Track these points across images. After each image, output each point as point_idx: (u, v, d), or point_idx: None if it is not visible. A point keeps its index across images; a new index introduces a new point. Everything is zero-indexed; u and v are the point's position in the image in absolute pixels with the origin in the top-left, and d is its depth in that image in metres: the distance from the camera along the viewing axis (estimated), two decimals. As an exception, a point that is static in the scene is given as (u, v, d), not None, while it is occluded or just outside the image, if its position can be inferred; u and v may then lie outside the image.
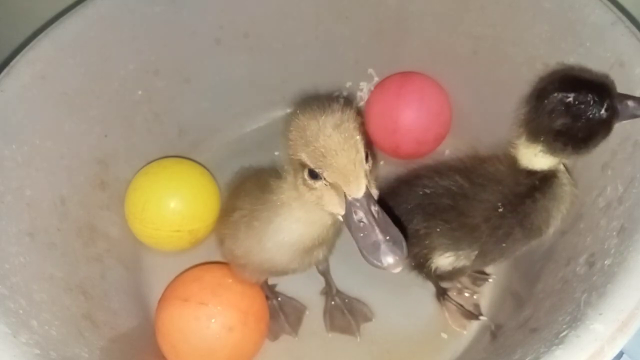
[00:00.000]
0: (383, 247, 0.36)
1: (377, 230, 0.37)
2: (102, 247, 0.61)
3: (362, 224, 0.37)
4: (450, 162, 0.56)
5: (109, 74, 0.62)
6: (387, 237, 0.36)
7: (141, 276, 0.65)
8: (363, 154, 0.37)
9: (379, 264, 0.36)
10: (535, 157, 0.49)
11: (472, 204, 0.51)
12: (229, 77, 0.73)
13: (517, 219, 0.50)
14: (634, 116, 0.47)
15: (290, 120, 0.40)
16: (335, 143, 0.37)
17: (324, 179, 0.38)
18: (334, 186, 0.38)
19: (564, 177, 0.50)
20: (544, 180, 0.49)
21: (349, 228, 0.38)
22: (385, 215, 0.38)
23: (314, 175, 0.38)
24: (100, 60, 0.60)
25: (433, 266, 0.54)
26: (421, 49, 0.70)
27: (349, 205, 0.38)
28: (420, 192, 0.54)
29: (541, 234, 0.51)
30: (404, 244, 0.37)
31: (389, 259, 0.36)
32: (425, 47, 0.70)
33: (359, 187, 0.37)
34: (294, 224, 0.45)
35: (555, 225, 0.51)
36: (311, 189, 0.39)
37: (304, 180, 0.40)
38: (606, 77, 0.49)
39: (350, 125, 0.38)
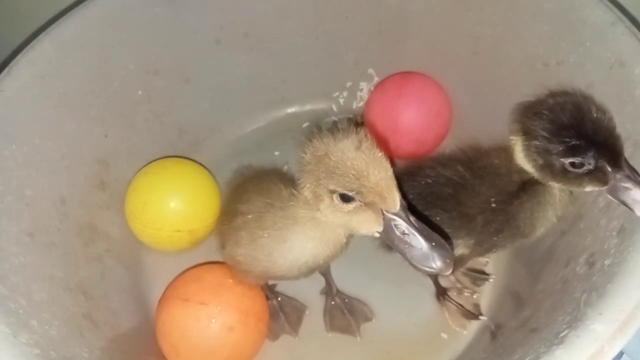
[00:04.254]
0: (432, 253, 0.38)
1: (421, 239, 0.38)
2: (102, 247, 0.61)
3: (405, 235, 0.38)
4: (452, 154, 0.56)
5: (109, 74, 0.62)
6: (433, 243, 0.38)
7: (141, 276, 0.65)
8: (390, 168, 0.38)
9: (431, 270, 0.38)
10: (524, 158, 0.48)
11: (470, 195, 0.51)
12: (229, 77, 0.73)
13: (505, 217, 0.50)
14: (622, 202, 0.43)
15: (303, 154, 0.41)
16: (364, 164, 0.38)
17: (359, 200, 0.38)
18: (369, 205, 0.38)
19: (555, 185, 0.49)
20: (531, 183, 0.49)
21: (392, 242, 0.39)
22: (421, 222, 0.39)
23: (346, 199, 0.39)
24: (100, 60, 0.60)
25: None
26: (421, 49, 0.70)
27: (388, 221, 0.38)
28: (423, 182, 0.54)
29: (526, 236, 0.51)
30: (448, 245, 0.38)
31: (439, 264, 0.37)
32: (425, 47, 0.70)
33: (395, 201, 0.38)
34: (308, 243, 0.45)
35: (544, 228, 0.51)
36: (346, 212, 0.40)
37: (335, 205, 0.40)
38: (614, 138, 0.44)
39: (369, 143, 0.39)
